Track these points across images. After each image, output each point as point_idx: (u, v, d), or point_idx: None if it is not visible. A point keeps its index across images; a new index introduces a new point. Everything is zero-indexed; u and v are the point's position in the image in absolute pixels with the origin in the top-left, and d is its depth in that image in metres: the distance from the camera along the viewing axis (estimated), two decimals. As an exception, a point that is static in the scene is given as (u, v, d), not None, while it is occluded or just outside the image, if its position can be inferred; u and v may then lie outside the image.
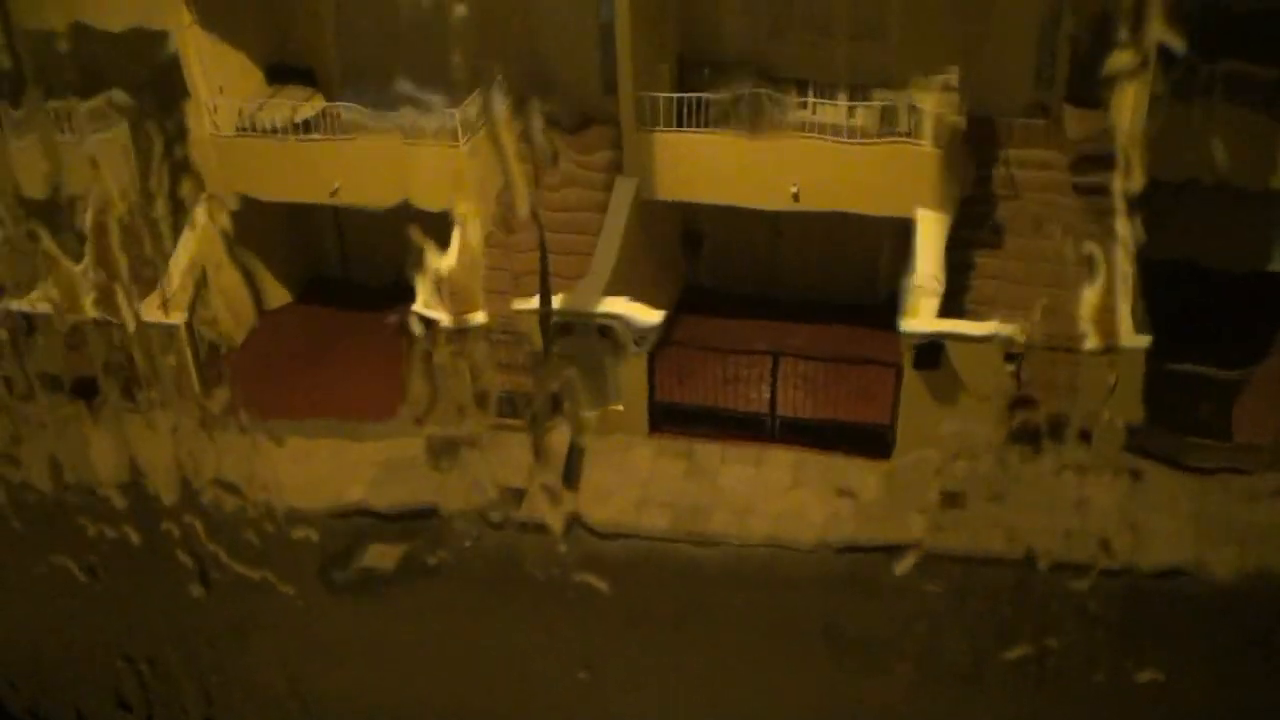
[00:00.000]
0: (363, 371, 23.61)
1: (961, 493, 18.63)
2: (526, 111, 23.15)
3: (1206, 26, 21.20)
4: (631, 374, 21.82)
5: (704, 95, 22.25)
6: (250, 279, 24.92)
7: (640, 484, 21.42)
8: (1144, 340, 19.07)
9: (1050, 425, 18.85)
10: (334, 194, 23.37)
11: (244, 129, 23.57)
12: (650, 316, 21.52)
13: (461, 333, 22.55)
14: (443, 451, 22.22)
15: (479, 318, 22.45)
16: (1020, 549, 17.43)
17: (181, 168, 23.09)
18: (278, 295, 26.18)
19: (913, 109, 21.17)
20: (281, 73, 24.95)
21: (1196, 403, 20.04)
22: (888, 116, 21.55)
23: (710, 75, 22.69)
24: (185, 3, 22.47)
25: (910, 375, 20.31)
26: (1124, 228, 20.95)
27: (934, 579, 14.77)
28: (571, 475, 19.38)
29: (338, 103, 23.67)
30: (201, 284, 23.23)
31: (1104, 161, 20.20)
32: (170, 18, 22.24)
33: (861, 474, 20.91)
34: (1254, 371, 20.54)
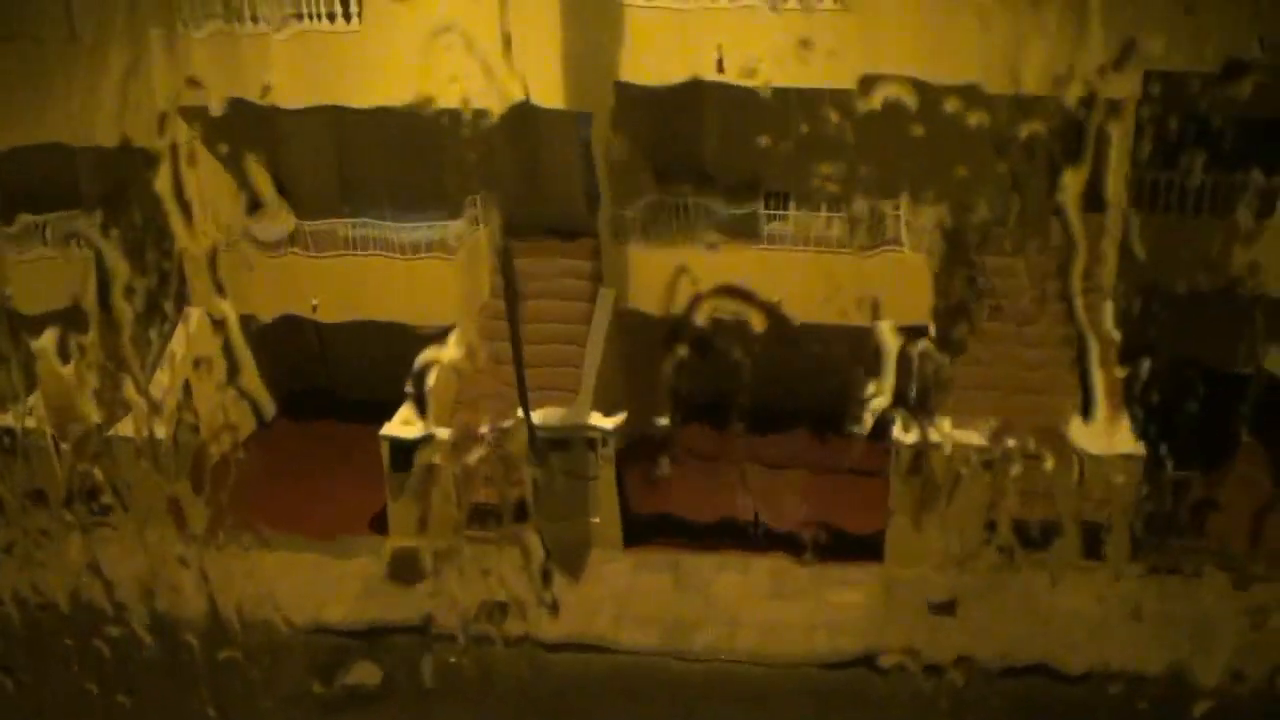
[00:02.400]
0: (344, 485, 23.51)
1: (951, 601, 18.55)
2: (511, 226, 23.51)
3: (1182, 135, 21.52)
4: (605, 485, 21.82)
5: (684, 200, 22.45)
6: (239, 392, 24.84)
7: (620, 597, 21.26)
8: (1138, 447, 19.13)
9: (1039, 532, 18.86)
10: (315, 309, 23.41)
11: (233, 243, 23.67)
12: (610, 421, 21.48)
13: (444, 447, 22.53)
14: (425, 566, 22.09)
15: (460, 431, 22.48)
16: (1013, 657, 17.35)
17: (168, 282, 23.24)
18: (264, 410, 26.07)
19: (893, 219, 21.41)
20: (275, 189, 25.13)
21: (1182, 505, 20.05)
22: (870, 226, 21.74)
23: (691, 188, 22.89)
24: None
25: (898, 484, 20.27)
26: (1111, 331, 21.07)
27: (925, 689, 14.65)
28: (551, 591, 19.34)
29: (333, 220, 23.80)
30: (186, 397, 23.20)
31: (1092, 266, 20.17)
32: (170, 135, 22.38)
33: (849, 583, 20.77)
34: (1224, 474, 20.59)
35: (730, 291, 22.25)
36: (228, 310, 23.36)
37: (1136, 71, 19.78)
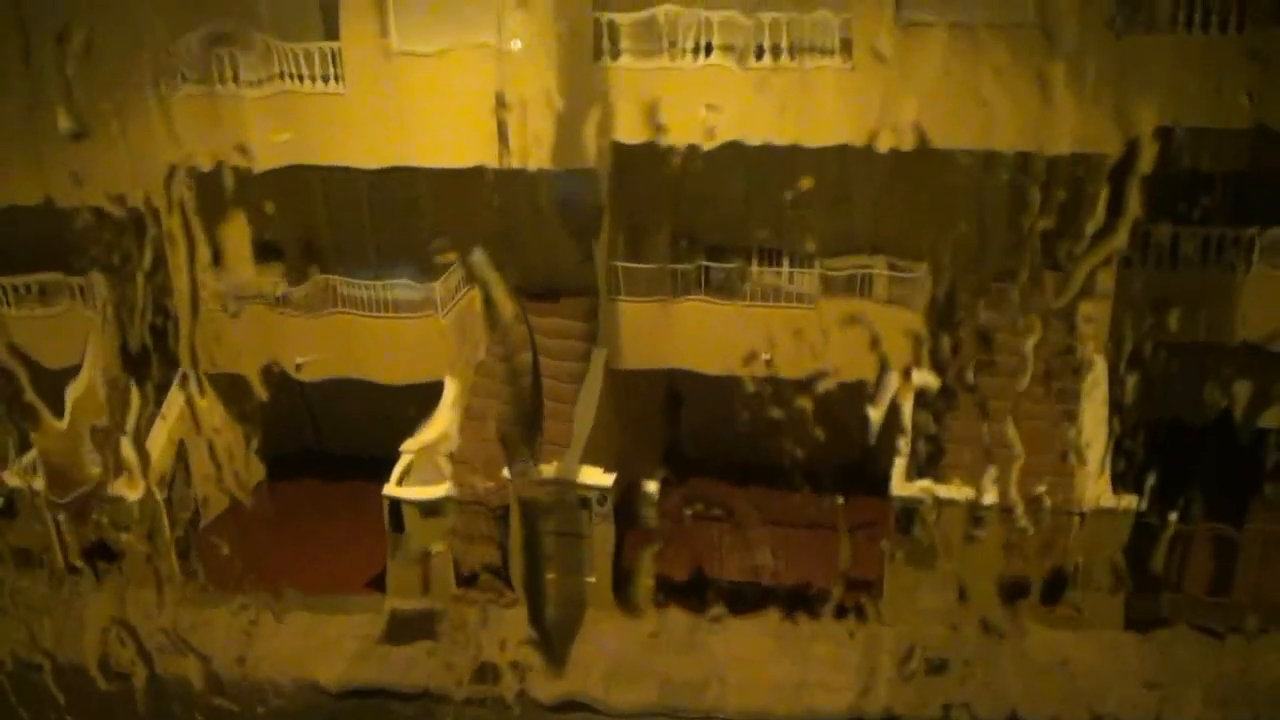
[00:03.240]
0: (338, 544, 23.43)
1: (946, 659, 18.44)
2: (503, 283, 23.52)
3: (1172, 190, 21.65)
4: (600, 543, 21.78)
5: (678, 266, 22.56)
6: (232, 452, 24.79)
7: (613, 657, 21.16)
8: (1129, 500, 19.13)
9: (1035, 587, 18.84)
10: (299, 369, 23.44)
11: (227, 305, 23.68)
12: (603, 479, 21.51)
13: (438, 506, 22.53)
14: (419, 627, 22.00)
15: (457, 490, 22.48)
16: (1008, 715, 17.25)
17: (162, 343, 23.25)
18: (254, 469, 26.01)
19: (883, 275, 21.52)
20: (262, 250, 25.16)
21: (1185, 558, 20.06)
22: (859, 282, 21.87)
23: (686, 246, 23.00)
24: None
25: (894, 540, 20.24)
26: (1104, 387, 21.15)
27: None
28: (551, 651, 19.24)
29: (324, 276, 23.84)
30: (180, 459, 23.18)
31: (1080, 323, 20.41)
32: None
33: (842, 641, 20.67)
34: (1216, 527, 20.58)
35: (721, 348, 22.39)
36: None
37: (1123, 131, 20.02)
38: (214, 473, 24.78)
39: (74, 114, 21.49)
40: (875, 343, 21.00)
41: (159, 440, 23.01)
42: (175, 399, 23.20)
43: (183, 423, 23.44)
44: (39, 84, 21.82)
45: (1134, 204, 20.41)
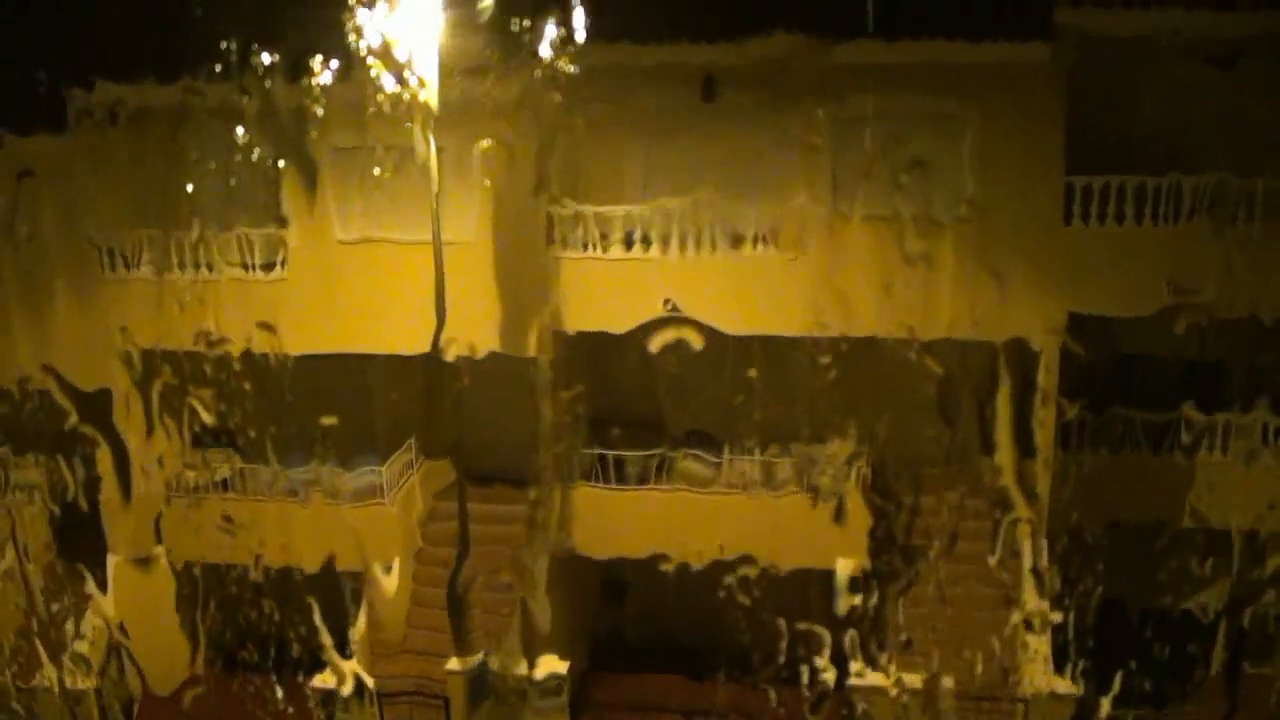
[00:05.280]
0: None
1: None
2: (444, 471, 23.55)
3: (1108, 374, 21.92)
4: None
5: (622, 454, 22.71)
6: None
7: None
8: (1071, 687, 19.05)
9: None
10: (258, 564, 23.20)
11: (167, 490, 23.57)
12: (557, 666, 21.23)
13: (381, 697, 22.18)
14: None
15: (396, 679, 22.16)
16: None
17: (95, 528, 23.09)
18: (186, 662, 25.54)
19: (822, 462, 21.63)
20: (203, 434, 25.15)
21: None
22: (800, 470, 21.95)
23: (622, 433, 23.11)
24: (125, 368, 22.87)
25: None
26: (1041, 571, 21.13)
27: None
28: None
29: (271, 466, 23.75)
30: (112, 648, 22.77)
31: (1016, 507, 20.51)
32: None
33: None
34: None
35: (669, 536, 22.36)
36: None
37: (1063, 315, 20.50)
38: (151, 659, 24.35)
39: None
40: (811, 530, 21.14)
41: (91, 626, 22.61)
42: (109, 586, 22.90)
43: (120, 608, 23.08)
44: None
45: (1053, 388, 20.88)
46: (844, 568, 21.45)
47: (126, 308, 22.74)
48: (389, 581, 23.17)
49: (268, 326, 21.73)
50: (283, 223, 22.39)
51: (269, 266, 22.28)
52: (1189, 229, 19.72)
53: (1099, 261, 20.15)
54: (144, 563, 23.09)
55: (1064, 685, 19.53)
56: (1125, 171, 19.90)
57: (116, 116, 21.75)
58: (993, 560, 21.50)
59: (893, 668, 20.28)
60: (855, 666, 20.61)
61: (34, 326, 22.34)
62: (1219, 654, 20.16)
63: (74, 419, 21.60)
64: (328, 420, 21.50)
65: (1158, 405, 21.50)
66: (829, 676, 20.27)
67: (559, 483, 22.77)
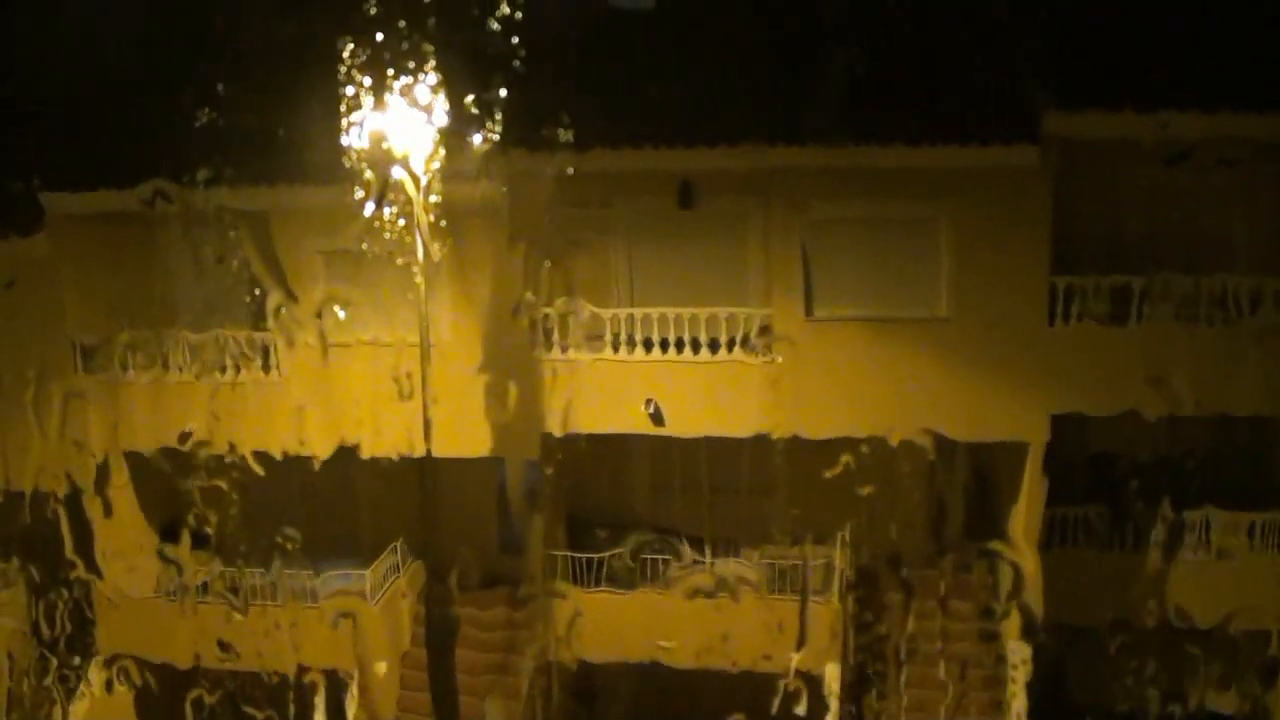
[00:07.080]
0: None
1: None
2: (429, 574, 23.38)
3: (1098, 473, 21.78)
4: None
5: (603, 555, 22.60)
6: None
7: None
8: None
9: None
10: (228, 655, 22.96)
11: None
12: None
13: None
14: None
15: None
16: None
17: (80, 628, 22.90)
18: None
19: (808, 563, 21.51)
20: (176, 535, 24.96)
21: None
22: (783, 572, 21.83)
23: (606, 535, 23.00)
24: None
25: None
26: (1029, 673, 20.85)
27: None
28: None
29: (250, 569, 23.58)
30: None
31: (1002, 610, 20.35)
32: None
33: None
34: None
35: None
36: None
37: (1038, 418, 20.50)
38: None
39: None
40: (795, 633, 20.94)
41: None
42: (94, 683, 22.71)
43: (100, 710, 22.85)
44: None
45: (1042, 490, 20.81)
46: (828, 672, 21.31)
47: (116, 409, 22.75)
48: (377, 681, 22.96)
49: (251, 427, 21.77)
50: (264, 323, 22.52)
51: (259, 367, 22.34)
52: (1167, 328, 19.87)
53: (1081, 361, 20.19)
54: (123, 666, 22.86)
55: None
56: (1104, 271, 20.10)
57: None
58: (974, 664, 21.35)
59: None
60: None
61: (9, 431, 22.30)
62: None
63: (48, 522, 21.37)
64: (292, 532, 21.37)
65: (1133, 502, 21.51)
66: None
67: (544, 582, 22.65)
